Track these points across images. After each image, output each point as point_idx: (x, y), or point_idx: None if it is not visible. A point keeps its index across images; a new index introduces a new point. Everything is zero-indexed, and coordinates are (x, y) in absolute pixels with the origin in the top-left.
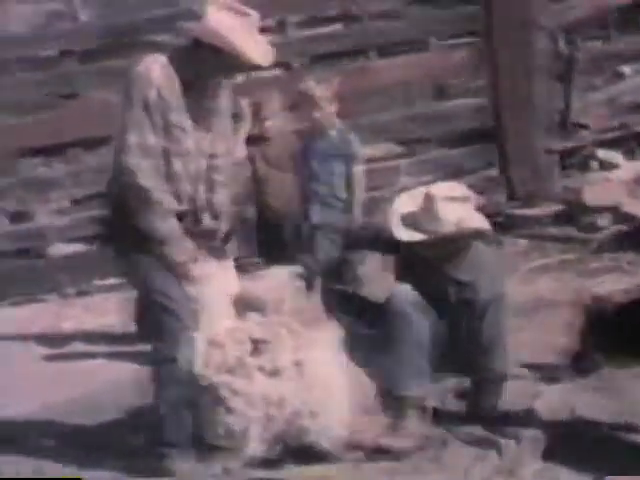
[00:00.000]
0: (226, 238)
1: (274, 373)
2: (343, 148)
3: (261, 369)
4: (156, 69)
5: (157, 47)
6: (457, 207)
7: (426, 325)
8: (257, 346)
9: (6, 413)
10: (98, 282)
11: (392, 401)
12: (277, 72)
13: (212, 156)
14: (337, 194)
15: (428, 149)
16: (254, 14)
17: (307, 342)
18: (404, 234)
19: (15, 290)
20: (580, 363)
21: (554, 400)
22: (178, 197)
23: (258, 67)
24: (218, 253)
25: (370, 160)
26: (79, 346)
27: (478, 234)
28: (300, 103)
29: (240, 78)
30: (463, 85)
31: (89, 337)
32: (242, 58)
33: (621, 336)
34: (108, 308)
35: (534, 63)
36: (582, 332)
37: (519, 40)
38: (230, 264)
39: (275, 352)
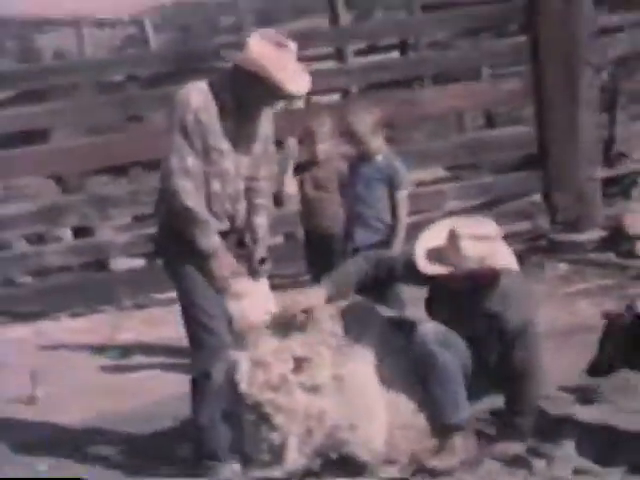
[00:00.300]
0: (262, 261)
1: (314, 389)
2: (388, 173)
3: (302, 385)
4: (194, 95)
5: (214, 73)
6: (481, 245)
7: (453, 359)
8: (299, 364)
9: (62, 420)
10: (156, 295)
11: (436, 425)
12: (336, 97)
13: (252, 179)
14: (381, 218)
15: (475, 175)
16: (292, 45)
17: (346, 357)
18: (428, 268)
19: (76, 302)
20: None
21: (588, 421)
22: (218, 216)
23: (294, 96)
24: (254, 274)
25: (419, 184)
26: (136, 357)
27: (502, 272)
28: (345, 134)
29: (301, 102)
30: (511, 114)
31: (146, 349)
32: (278, 87)
33: None
34: (165, 321)
35: (579, 95)
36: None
37: (565, 72)
38: (265, 284)
39: (315, 369)
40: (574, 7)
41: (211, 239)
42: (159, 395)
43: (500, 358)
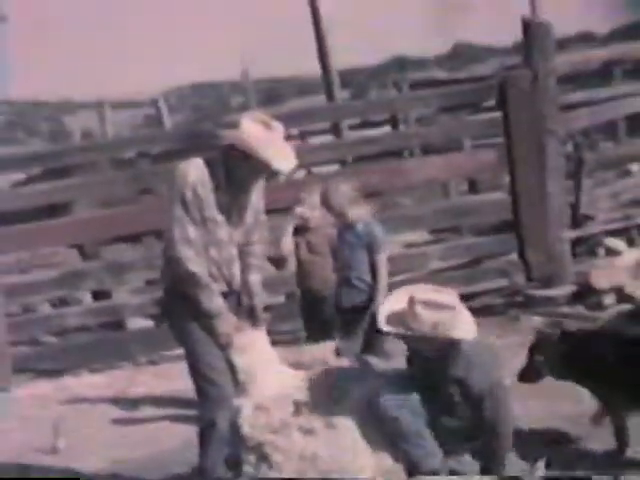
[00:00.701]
0: (259, 311)
1: (310, 432)
2: (368, 240)
3: (300, 428)
4: (192, 170)
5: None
6: (438, 313)
7: (413, 417)
8: (298, 407)
9: (81, 467)
10: (167, 352)
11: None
12: (334, 168)
13: (247, 244)
14: (364, 279)
15: (457, 237)
16: (279, 126)
17: (340, 407)
18: (387, 327)
19: (94, 359)
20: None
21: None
22: (216, 279)
23: (280, 172)
24: (255, 323)
25: (406, 246)
26: (148, 409)
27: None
28: (324, 205)
29: (302, 173)
30: (493, 181)
31: (157, 401)
32: (265, 165)
33: None
34: (175, 375)
35: (547, 163)
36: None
37: (533, 143)
38: (264, 336)
39: (311, 412)
40: (540, 86)
41: (214, 301)
42: (169, 444)
43: (470, 419)
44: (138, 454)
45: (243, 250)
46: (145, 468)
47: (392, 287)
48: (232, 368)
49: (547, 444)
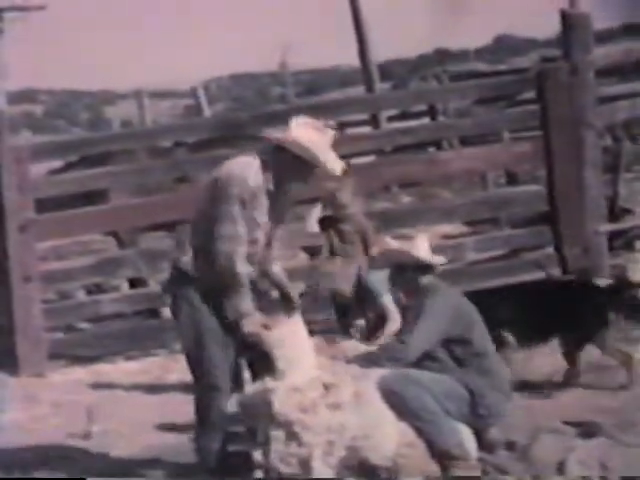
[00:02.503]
0: (292, 300)
1: (336, 407)
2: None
3: (328, 405)
4: (253, 174)
5: (260, 139)
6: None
7: (419, 392)
8: (326, 388)
9: (114, 453)
10: None
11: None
12: (371, 158)
13: (269, 242)
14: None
15: (493, 229)
16: (329, 131)
17: (365, 378)
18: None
19: (129, 346)
20: None
21: (586, 455)
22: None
23: (331, 175)
24: (288, 312)
25: (443, 237)
26: (182, 397)
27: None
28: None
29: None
30: (532, 173)
31: (191, 389)
32: (321, 167)
33: None
34: None
35: (585, 156)
36: None
37: (571, 136)
38: (299, 321)
39: (339, 391)
40: (579, 79)
41: (246, 302)
42: None
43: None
44: (171, 441)
45: (266, 246)
46: (177, 454)
47: None
48: (269, 360)
49: (581, 436)
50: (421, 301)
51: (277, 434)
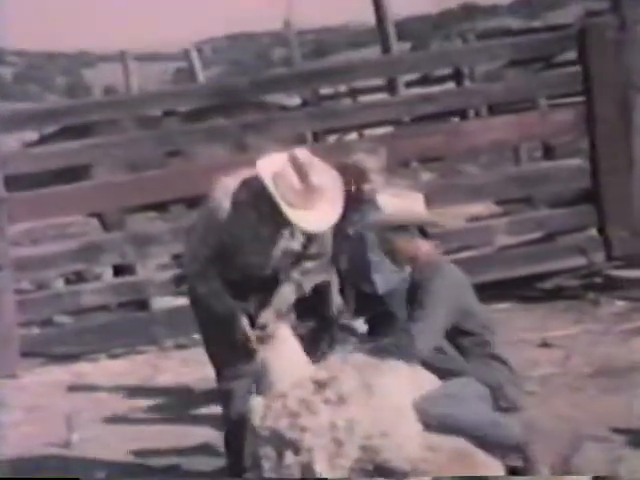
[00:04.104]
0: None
1: (341, 400)
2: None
3: (327, 401)
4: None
5: (261, 107)
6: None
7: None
8: (321, 384)
9: (95, 463)
10: (196, 335)
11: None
12: (388, 129)
13: None
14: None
15: (527, 209)
16: (325, 183)
17: (376, 370)
18: None
19: (114, 342)
20: None
21: (637, 465)
22: None
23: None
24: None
25: (469, 219)
26: (174, 401)
27: None
28: (347, 174)
29: (353, 136)
30: (572, 146)
31: (186, 391)
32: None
33: None
34: (206, 361)
35: (634, 124)
36: None
37: (618, 102)
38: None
39: (339, 382)
40: (628, 35)
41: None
42: (195, 441)
43: None
44: (160, 451)
45: None
46: (167, 468)
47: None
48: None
49: (631, 445)
50: (423, 280)
51: (266, 451)
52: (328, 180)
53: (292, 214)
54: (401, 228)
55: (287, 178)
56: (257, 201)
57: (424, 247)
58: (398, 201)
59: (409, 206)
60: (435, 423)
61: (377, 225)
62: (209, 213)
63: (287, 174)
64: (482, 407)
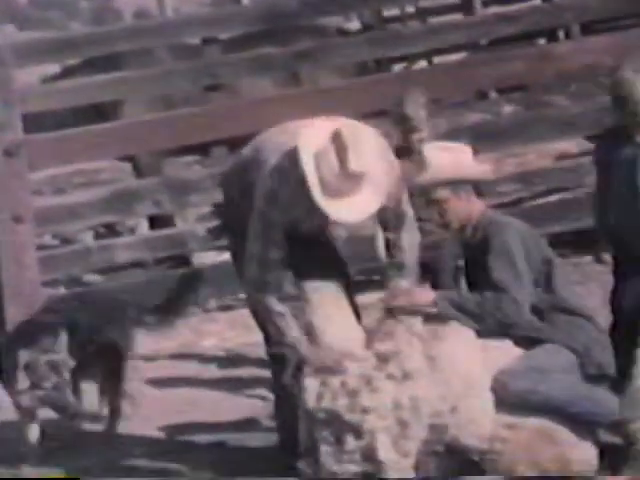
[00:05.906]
0: None
1: (406, 376)
2: None
3: (391, 377)
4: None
5: (315, 32)
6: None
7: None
8: (383, 358)
9: (131, 438)
10: (244, 295)
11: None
12: (462, 54)
13: None
14: None
15: None
16: (370, 164)
17: (440, 339)
18: None
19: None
20: None
21: None
22: None
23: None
24: None
25: (558, 157)
26: (218, 369)
27: None
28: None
29: (423, 63)
30: None
31: (231, 357)
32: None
33: None
34: (254, 324)
35: None
36: None
37: None
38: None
39: (404, 357)
40: None
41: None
42: (239, 414)
43: None
44: (204, 426)
45: None
46: (212, 445)
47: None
48: None
49: None
50: (488, 239)
51: (323, 435)
52: (373, 160)
53: (325, 204)
54: (450, 185)
55: (328, 160)
56: None
57: (478, 205)
58: (446, 155)
59: (459, 160)
60: (517, 400)
61: (426, 184)
62: (269, 190)
63: (328, 155)
64: (572, 380)
